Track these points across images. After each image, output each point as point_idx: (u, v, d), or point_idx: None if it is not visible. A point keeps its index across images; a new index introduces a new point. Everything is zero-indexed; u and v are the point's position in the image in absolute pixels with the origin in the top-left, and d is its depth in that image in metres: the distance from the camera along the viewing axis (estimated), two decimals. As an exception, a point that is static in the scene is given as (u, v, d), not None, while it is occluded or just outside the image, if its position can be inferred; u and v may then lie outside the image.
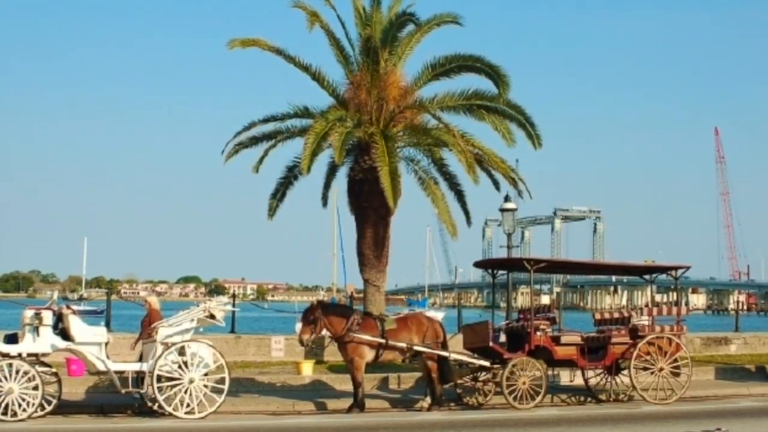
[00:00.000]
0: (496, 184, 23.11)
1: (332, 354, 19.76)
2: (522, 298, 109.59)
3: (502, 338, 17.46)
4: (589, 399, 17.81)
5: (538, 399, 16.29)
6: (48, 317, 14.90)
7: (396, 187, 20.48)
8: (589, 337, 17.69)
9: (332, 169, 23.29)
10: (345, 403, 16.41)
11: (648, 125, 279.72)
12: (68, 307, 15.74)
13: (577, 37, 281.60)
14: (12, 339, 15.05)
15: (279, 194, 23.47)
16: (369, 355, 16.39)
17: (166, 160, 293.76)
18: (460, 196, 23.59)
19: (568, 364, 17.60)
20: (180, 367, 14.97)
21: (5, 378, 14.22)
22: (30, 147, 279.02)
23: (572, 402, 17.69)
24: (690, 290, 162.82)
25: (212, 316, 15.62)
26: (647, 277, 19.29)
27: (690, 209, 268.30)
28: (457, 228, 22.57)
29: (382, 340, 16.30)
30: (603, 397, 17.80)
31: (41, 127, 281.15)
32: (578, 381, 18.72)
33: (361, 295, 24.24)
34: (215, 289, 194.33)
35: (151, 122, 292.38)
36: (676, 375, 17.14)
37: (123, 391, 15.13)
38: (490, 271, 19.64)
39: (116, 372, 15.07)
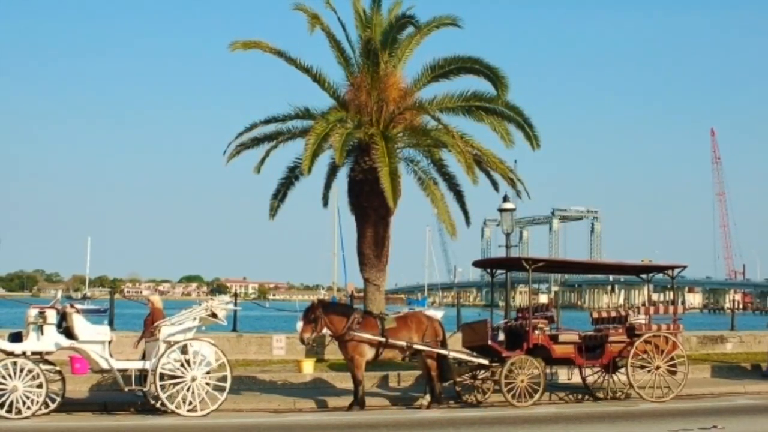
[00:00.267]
0: (495, 185, 23.14)
1: (333, 352, 19.76)
2: (520, 297, 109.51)
3: (501, 337, 17.47)
4: (586, 397, 17.81)
5: (537, 397, 16.29)
6: (52, 316, 14.90)
7: (396, 187, 20.49)
8: (587, 336, 17.69)
9: (333, 170, 23.31)
10: (345, 401, 16.42)
11: (645, 126, 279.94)
12: (72, 306, 15.76)
13: (574, 39, 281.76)
14: (16, 337, 15.06)
15: (280, 194, 23.49)
16: (369, 353, 16.39)
17: (169, 161, 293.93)
18: (459, 196, 23.61)
19: (566, 362, 17.60)
20: (182, 365, 14.98)
21: (10, 376, 14.22)
22: (34, 147, 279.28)
23: (570, 400, 17.69)
24: (686, 289, 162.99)
25: (214, 315, 15.63)
26: (644, 276, 19.30)
27: (686, 209, 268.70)
28: (457, 228, 22.62)
29: (382, 339, 16.30)
30: (600, 395, 17.80)
31: (45, 127, 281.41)
32: (576, 379, 18.73)
33: (362, 294, 24.24)
34: (217, 288, 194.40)
35: (153, 123, 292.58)
36: (673, 373, 17.15)
37: (126, 389, 15.12)
38: (488, 270, 19.64)
39: (119, 370, 15.07)
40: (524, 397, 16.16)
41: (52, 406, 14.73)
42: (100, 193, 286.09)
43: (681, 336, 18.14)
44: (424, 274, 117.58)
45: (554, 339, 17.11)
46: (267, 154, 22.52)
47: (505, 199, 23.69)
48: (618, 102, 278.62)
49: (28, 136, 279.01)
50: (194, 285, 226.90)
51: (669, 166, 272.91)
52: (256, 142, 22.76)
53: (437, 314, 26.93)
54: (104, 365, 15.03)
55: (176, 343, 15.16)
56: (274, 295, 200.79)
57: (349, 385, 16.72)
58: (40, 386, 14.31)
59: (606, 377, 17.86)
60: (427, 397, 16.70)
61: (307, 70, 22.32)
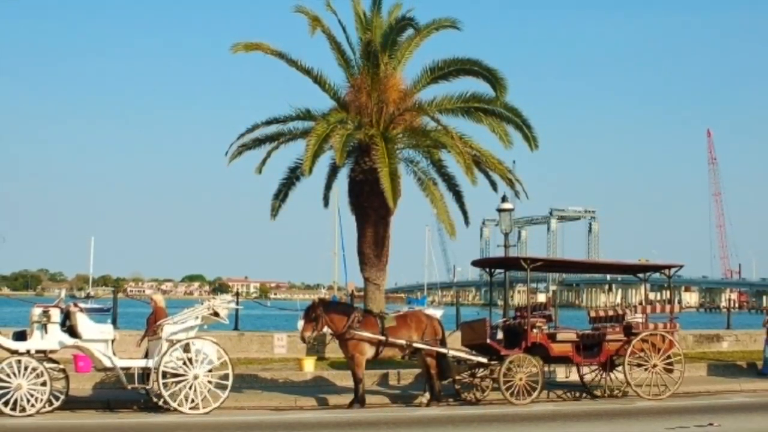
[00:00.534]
0: (494, 185, 23.17)
1: (333, 351, 19.76)
2: (519, 296, 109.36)
3: (500, 335, 17.46)
4: (584, 395, 17.81)
5: (535, 395, 16.29)
6: (56, 315, 14.89)
7: (396, 187, 20.51)
8: (585, 335, 17.69)
9: (333, 170, 23.33)
10: (346, 399, 16.41)
11: (642, 127, 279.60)
12: (75, 305, 15.76)
13: (572, 41, 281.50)
14: (21, 336, 15.06)
15: (281, 195, 23.51)
16: (369, 351, 16.38)
17: (171, 162, 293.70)
18: (458, 196, 23.63)
19: (564, 360, 17.60)
20: (185, 363, 14.97)
21: (14, 374, 14.21)
22: (38, 148, 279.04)
23: (568, 398, 17.69)
24: (683, 288, 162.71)
25: (216, 314, 15.62)
26: (641, 275, 19.28)
27: (683, 209, 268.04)
28: (456, 228, 22.66)
29: (382, 338, 16.30)
30: (598, 393, 17.80)
31: (49, 128, 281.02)
32: (574, 377, 18.72)
33: (362, 293, 24.26)
34: (219, 288, 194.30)
35: (156, 124, 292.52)
36: (670, 371, 17.14)
37: (129, 386, 15.12)
38: (487, 269, 19.64)
39: (122, 368, 15.07)
40: (523, 395, 16.16)
41: (56, 403, 14.73)
42: (103, 194, 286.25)
43: (677, 334, 18.16)
44: (423, 274, 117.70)
45: (552, 338, 17.11)
46: (268, 154, 22.54)
47: (504, 199, 23.71)
48: (615, 103, 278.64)
49: (32, 136, 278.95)
50: (196, 284, 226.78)
51: (666, 166, 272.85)
52: (258, 142, 22.78)
53: (436, 313, 26.91)
54: (107, 363, 15.03)
55: (179, 341, 15.15)
56: (275, 294, 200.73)
57: (350, 383, 16.72)
58: (44, 384, 14.30)
59: (603, 375, 17.86)
60: (427, 395, 16.70)
61: (307, 72, 22.34)
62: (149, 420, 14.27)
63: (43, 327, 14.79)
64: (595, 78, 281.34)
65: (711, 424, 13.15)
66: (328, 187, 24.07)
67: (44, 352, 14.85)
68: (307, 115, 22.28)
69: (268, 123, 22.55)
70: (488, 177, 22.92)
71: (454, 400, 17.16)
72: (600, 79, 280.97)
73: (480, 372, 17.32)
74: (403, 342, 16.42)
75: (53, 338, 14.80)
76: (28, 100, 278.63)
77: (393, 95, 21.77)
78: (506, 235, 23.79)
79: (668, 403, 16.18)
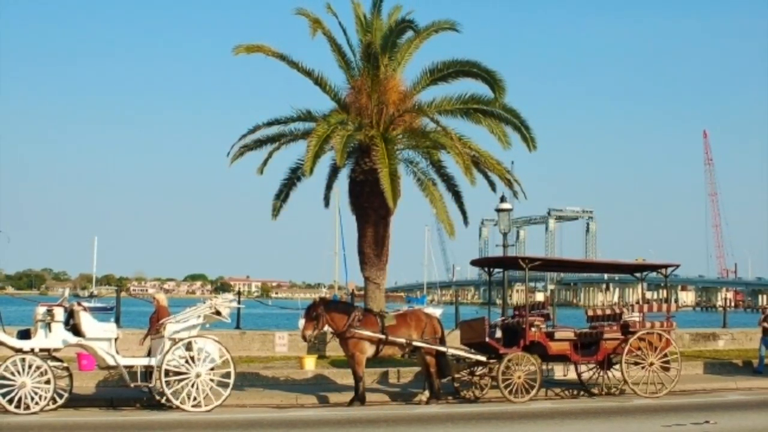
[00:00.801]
0: (493, 185, 23.16)
1: (334, 349, 19.76)
2: (517, 296, 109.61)
3: (498, 334, 17.45)
4: (582, 393, 17.80)
5: (533, 393, 16.29)
6: (60, 314, 14.90)
7: (396, 188, 20.49)
8: (582, 333, 17.68)
9: (334, 171, 23.32)
10: (346, 397, 16.41)
11: (639, 128, 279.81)
12: (79, 304, 15.73)
13: (570, 43, 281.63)
14: (25, 335, 15.06)
15: (282, 195, 23.50)
16: (369, 350, 16.38)
17: (174, 162, 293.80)
18: (457, 196, 23.62)
19: (562, 359, 17.59)
20: (187, 361, 14.98)
21: (18, 372, 14.22)
22: (43, 150, 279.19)
23: (566, 395, 17.69)
24: (679, 288, 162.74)
25: (218, 313, 15.63)
26: (638, 275, 19.29)
27: (679, 209, 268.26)
28: (455, 227, 22.62)
29: (382, 336, 16.30)
30: (595, 390, 17.80)
31: (53, 130, 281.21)
32: (571, 375, 18.70)
33: (362, 292, 24.26)
34: (221, 287, 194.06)
35: (158, 126, 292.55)
36: (666, 369, 17.14)
37: (132, 385, 15.13)
38: (486, 269, 19.64)
39: (125, 367, 15.08)
40: (521, 393, 16.16)
41: (60, 401, 14.75)
42: (106, 194, 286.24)
43: (674, 333, 18.15)
44: (423, 273, 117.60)
45: (550, 336, 17.11)
46: (270, 155, 22.53)
47: (503, 199, 23.71)
48: (613, 105, 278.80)
49: (37, 137, 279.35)
50: (198, 283, 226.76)
51: (662, 167, 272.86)
52: (259, 143, 22.77)
53: (436, 312, 26.84)
54: (111, 362, 15.03)
55: (181, 340, 15.16)
56: (276, 293, 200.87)
57: (350, 381, 16.72)
58: (48, 382, 14.31)
59: (601, 373, 17.85)
60: (426, 392, 16.70)
61: (308, 74, 22.33)
62: (152, 418, 14.27)
63: (47, 326, 14.80)
64: (593, 80, 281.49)
65: (707, 422, 13.15)
66: (328, 187, 24.09)
67: (48, 350, 14.86)
68: (308, 116, 22.27)
69: (270, 124, 22.54)
70: (487, 177, 22.92)
71: (454, 397, 17.15)
72: (598, 80, 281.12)
73: (479, 370, 17.32)
74: (402, 340, 16.42)
75: (57, 337, 14.81)
76: (34, 102, 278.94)
77: (393, 97, 21.76)
78: (505, 234, 23.79)
79: (665, 401, 16.17)
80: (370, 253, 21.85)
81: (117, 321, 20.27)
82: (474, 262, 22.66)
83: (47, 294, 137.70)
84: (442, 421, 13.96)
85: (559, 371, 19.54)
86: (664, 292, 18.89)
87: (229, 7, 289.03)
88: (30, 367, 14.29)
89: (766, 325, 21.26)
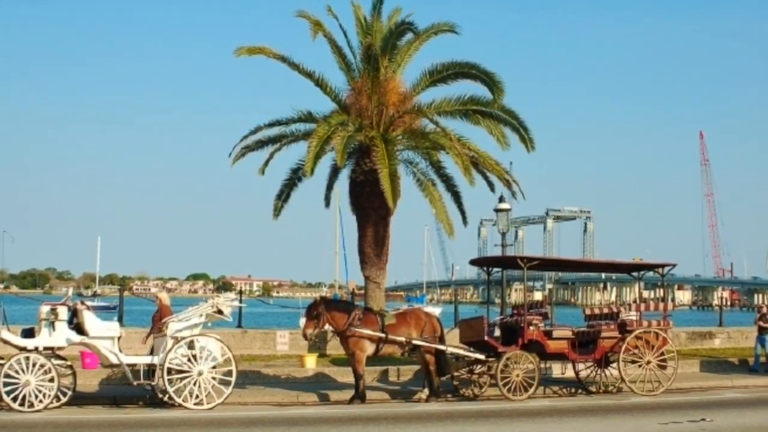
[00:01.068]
0: (491, 186, 23.16)
1: (334, 348, 19.78)
2: (516, 295, 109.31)
3: (497, 333, 17.47)
4: (579, 391, 17.81)
5: (531, 391, 16.30)
6: (63, 313, 14.90)
7: (395, 188, 20.49)
8: (580, 332, 17.69)
9: (334, 171, 23.31)
10: (347, 395, 16.41)
11: (636, 129, 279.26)
12: (83, 303, 15.74)
13: (568, 45, 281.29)
14: (29, 333, 15.06)
15: (284, 195, 23.50)
16: (370, 348, 16.38)
17: (176, 163, 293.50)
18: (456, 197, 23.61)
19: (560, 357, 17.60)
20: (189, 360, 14.97)
21: (23, 370, 14.23)
22: (46, 150, 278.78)
23: (564, 393, 17.69)
24: (676, 287, 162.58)
25: (220, 312, 15.62)
26: (635, 274, 19.30)
27: (676, 209, 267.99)
28: (454, 227, 22.63)
29: (382, 335, 16.30)
30: (593, 388, 17.80)
31: (57, 131, 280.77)
32: (569, 373, 18.73)
33: (362, 291, 24.26)
34: (223, 286, 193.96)
35: (161, 126, 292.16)
36: (663, 368, 17.15)
37: (135, 383, 15.13)
38: (485, 268, 19.65)
39: (128, 365, 15.08)
40: (519, 391, 16.17)
41: (64, 399, 14.75)
42: (109, 194, 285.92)
43: (671, 332, 18.14)
44: (422, 272, 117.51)
45: (548, 335, 17.11)
46: (271, 156, 22.53)
47: (501, 199, 23.72)
48: (610, 106, 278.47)
49: (41, 138, 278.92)
50: (201, 283, 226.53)
51: (659, 167, 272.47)
52: (261, 144, 22.76)
53: (435, 311, 26.86)
54: (114, 360, 15.03)
55: (183, 338, 15.15)
56: (277, 292, 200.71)
57: (351, 379, 16.72)
58: (51, 380, 14.31)
59: (598, 372, 17.86)
60: (426, 390, 16.70)
61: (309, 75, 22.33)
62: (154, 415, 14.28)
63: (51, 324, 14.80)
64: (591, 81, 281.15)
65: (703, 420, 13.15)
66: (329, 187, 24.09)
67: (52, 349, 14.87)
68: (308, 118, 22.27)
69: (271, 125, 22.54)
70: (486, 178, 22.91)
71: (453, 395, 17.16)
72: (596, 82, 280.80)
73: (478, 368, 17.33)
74: (402, 339, 16.42)
75: (61, 335, 14.82)
76: (38, 103, 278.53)
77: (393, 98, 21.75)
78: (503, 234, 23.79)
79: (662, 399, 16.17)
80: (371, 252, 21.85)
81: (120, 320, 20.32)
82: (473, 262, 22.70)
83: (51, 293, 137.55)
84: (442, 419, 13.96)
85: (557, 369, 19.56)
86: (661, 291, 18.88)
87: (231, 10, 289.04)
88: (34, 365, 14.29)
89: (761, 323, 21.28)
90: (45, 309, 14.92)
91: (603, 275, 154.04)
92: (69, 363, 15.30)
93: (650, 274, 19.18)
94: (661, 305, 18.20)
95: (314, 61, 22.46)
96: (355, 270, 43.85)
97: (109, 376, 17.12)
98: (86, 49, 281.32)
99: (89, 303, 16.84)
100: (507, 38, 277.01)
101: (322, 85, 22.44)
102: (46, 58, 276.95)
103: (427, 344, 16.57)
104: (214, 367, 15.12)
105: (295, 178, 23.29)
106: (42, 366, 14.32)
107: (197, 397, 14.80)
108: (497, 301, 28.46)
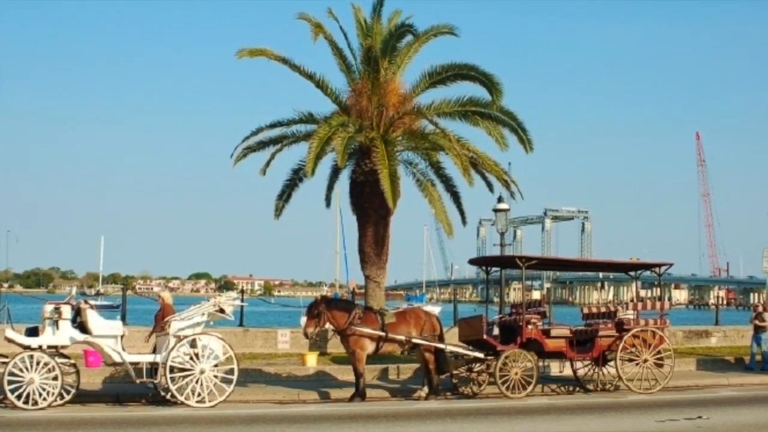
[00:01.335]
0: (490, 186, 23.15)
1: (335, 346, 19.76)
2: (514, 294, 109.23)
3: (496, 331, 17.46)
4: (577, 389, 17.81)
5: (530, 389, 16.29)
6: (67, 311, 14.91)
7: (395, 188, 20.49)
8: (578, 331, 17.69)
9: (335, 172, 23.32)
10: (347, 393, 16.41)
11: (633, 130, 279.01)
12: (86, 302, 15.73)
13: (566, 47, 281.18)
14: (33, 332, 15.06)
15: (285, 195, 23.49)
16: (370, 347, 16.38)
17: (178, 164, 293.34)
18: (455, 197, 23.61)
19: (558, 355, 17.60)
20: (191, 358, 14.97)
21: (27, 369, 14.22)
22: (50, 151, 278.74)
23: (562, 391, 17.69)
24: (673, 286, 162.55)
25: (222, 311, 15.62)
26: (632, 273, 19.30)
27: (673, 209, 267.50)
28: (453, 227, 22.62)
29: (382, 333, 16.30)
30: (591, 387, 17.80)
31: (61, 132, 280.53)
32: (567, 372, 18.73)
33: (363, 290, 24.24)
34: (225, 285, 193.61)
35: (164, 128, 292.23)
36: (660, 366, 17.15)
37: (138, 381, 15.13)
38: (484, 267, 19.64)
39: (131, 363, 15.07)
40: (518, 389, 16.16)
41: (67, 397, 14.75)
42: (113, 194, 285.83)
43: (667, 330, 18.16)
44: (422, 272, 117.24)
45: (546, 333, 17.11)
46: (272, 156, 22.54)
47: (500, 199, 23.71)
48: (608, 107, 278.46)
49: (45, 139, 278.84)
50: (203, 282, 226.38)
51: (656, 168, 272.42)
52: (262, 145, 22.76)
53: (435, 310, 26.85)
54: (117, 358, 15.03)
55: (185, 337, 15.15)
56: (279, 291, 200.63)
57: (351, 377, 16.72)
58: (55, 378, 14.31)
59: (596, 370, 17.86)
60: (425, 388, 16.69)
61: (310, 77, 22.33)
62: (157, 413, 14.27)
63: (55, 323, 14.81)
64: (589, 83, 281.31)
65: (700, 417, 13.14)
66: (330, 188, 24.09)
67: (56, 347, 14.87)
68: (309, 119, 22.27)
69: (272, 126, 22.53)
70: (485, 178, 22.91)
71: (452, 393, 17.16)
72: (593, 83, 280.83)
73: (477, 367, 17.33)
74: (402, 338, 16.42)
75: (64, 334, 14.81)
76: (42, 103, 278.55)
77: (393, 99, 21.75)
78: (502, 234, 23.79)
79: (658, 397, 16.17)
80: (371, 252, 21.84)
81: (123, 319, 20.30)
82: (472, 261, 22.68)
83: (55, 292, 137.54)
84: (441, 417, 13.95)
85: (555, 368, 19.57)
86: (658, 290, 18.89)
87: (233, 12, 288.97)
88: (38, 363, 14.30)
89: (757, 322, 21.28)
90: (49, 308, 14.92)
91: (600, 275, 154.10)
92: (72, 361, 15.29)
93: (647, 273, 19.15)
94: (658, 304, 18.23)
95: (315, 63, 22.50)
96: (355, 269, 43.85)
97: (112, 375, 17.11)
98: (90, 51, 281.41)
99: (92, 302, 16.82)
100: (505, 40, 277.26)
101: (323, 87, 22.44)
102: (50, 60, 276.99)
103: (427, 343, 16.57)
104: (216, 366, 15.12)
105: (296, 178, 23.29)
106: (46, 364, 14.32)
107: (199, 395, 14.80)
108: (496, 300, 28.44)
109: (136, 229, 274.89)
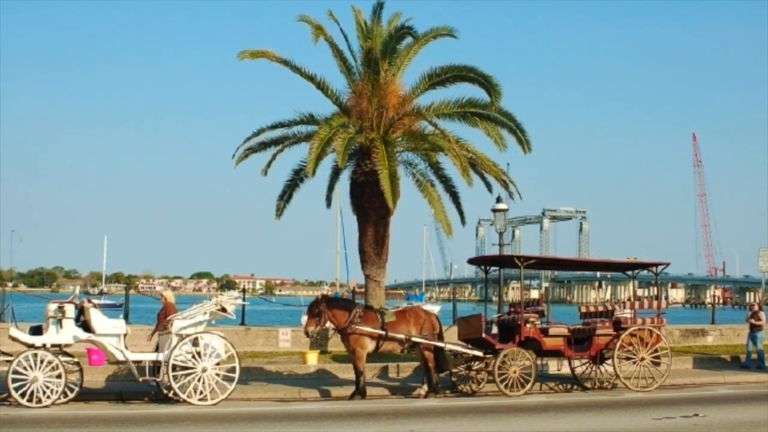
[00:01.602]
0: (489, 186, 23.14)
1: (336, 345, 19.77)
2: (513, 293, 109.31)
3: (494, 330, 17.47)
4: (575, 387, 17.81)
5: (528, 387, 16.30)
6: (70, 310, 14.91)
7: (395, 189, 20.48)
8: (576, 329, 17.69)
9: (335, 172, 23.30)
10: (348, 391, 16.41)
11: (630, 131, 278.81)
12: (89, 301, 15.73)
13: (564, 49, 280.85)
14: (37, 331, 15.07)
15: (286, 195, 23.48)
16: (370, 345, 16.38)
17: (181, 164, 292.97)
18: (454, 197, 23.59)
19: (556, 354, 17.59)
20: (193, 357, 14.98)
21: (31, 367, 14.23)
22: (54, 152, 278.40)
23: (560, 390, 17.69)
24: (669, 285, 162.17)
25: (224, 310, 15.62)
26: (629, 273, 19.29)
27: (669, 209, 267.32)
28: (452, 227, 22.58)
29: (382, 332, 16.30)
30: (588, 385, 17.79)
31: (64, 133, 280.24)
32: (565, 370, 18.72)
33: (363, 289, 24.23)
34: (226, 284, 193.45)
35: (166, 129, 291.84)
36: (657, 364, 17.15)
37: (140, 379, 15.13)
38: (483, 267, 19.65)
39: (134, 361, 15.08)
40: (516, 387, 16.17)
41: (71, 395, 14.75)
42: (116, 195, 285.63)
43: (664, 329, 18.15)
44: (421, 271, 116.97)
45: (545, 332, 17.11)
46: (273, 157, 22.53)
47: (499, 200, 23.71)
48: (605, 108, 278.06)
49: (49, 140, 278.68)
50: (205, 281, 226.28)
51: (653, 168, 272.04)
52: (264, 146, 22.75)
53: (434, 309, 26.89)
54: (120, 357, 15.03)
55: (188, 336, 15.16)
56: (280, 290, 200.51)
57: (351, 375, 16.72)
58: (59, 377, 14.32)
59: (593, 368, 17.85)
60: (425, 387, 16.70)
61: (311, 78, 22.33)
62: (160, 411, 14.27)
63: (59, 322, 14.81)
64: (587, 84, 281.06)
65: (696, 415, 13.15)
66: (330, 188, 24.08)
67: (59, 346, 14.87)
68: (310, 120, 22.26)
69: (274, 127, 22.52)
70: (483, 179, 22.90)
71: (451, 391, 17.16)
72: (591, 85, 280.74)
73: (476, 365, 17.32)
74: (402, 336, 16.42)
75: (68, 333, 14.82)
76: (45, 105, 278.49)
77: (393, 100, 21.74)
78: (501, 234, 23.79)
79: (655, 395, 16.17)
80: (371, 251, 21.84)
81: (126, 317, 20.25)
82: (471, 261, 22.71)
83: (58, 291, 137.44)
84: (440, 414, 13.96)
85: (553, 366, 19.57)
86: (655, 289, 18.86)
87: (235, 15, 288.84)
88: (42, 362, 14.30)
89: (753, 321, 21.28)
90: (53, 307, 14.92)
91: (598, 274, 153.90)
92: (76, 360, 15.29)
93: (644, 272, 19.17)
94: (655, 303, 18.20)
95: (316, 65, 22.49)
96: (355, 269, 43.75)
97: (115, 373, 17.12)
98: (93, 53, 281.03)
99: (96, 301, 16.80)
100: (504, 42, 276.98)
101: (324, 88, 22.44)
102: (54, 62, 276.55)
103: (426, 341, 16.57)
104: (217, 364, 15.13)
105: (297, 179, 23.28)
106: (50, 363, 14.32)
107: (201, 393, 14.81)
108: (495, 299, 28.43)
109: (138, 229, 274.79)
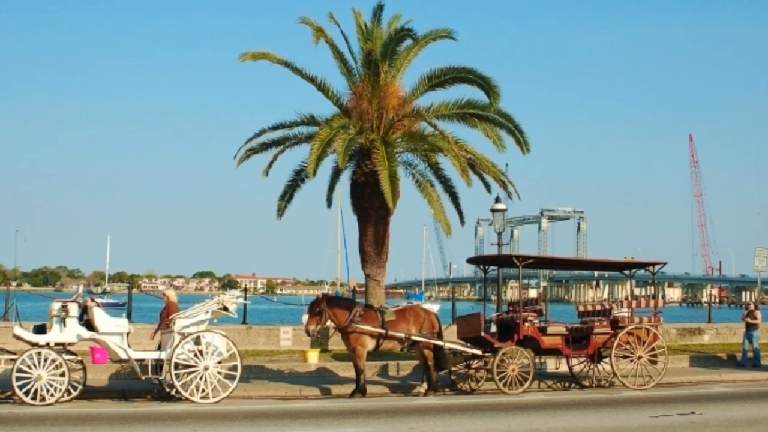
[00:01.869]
0: (488, 187, 23.14)
1: (336, 343, 19.77)
2: (511, 292, 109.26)
3: (493, 329, 17.46)
4: (573, 385, 17.80)
5: (526, 385, 16.29)
6: (74, 309, 14.90)
7: (395, 189, 20.48)
8: (574, 328, 17.68)
9: (336, 173, 23.30)
10: (348, 389, 16.41)
11: (628, 132, 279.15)
12: (92, 300, 15.73)
13: (562, 51, 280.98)
14: (41, 329, 15.06)
15: (287, 196, 23.48)
16: (370, 344, 16.38)
17: (183, 165, 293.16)
18: (454, 197, 23.59)
19: (554, 352, 17.59)
20: (196, 355, 14.98)
21: (34, 365, 14.23)
22: (57, 152, 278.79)
23: (558, 388, 17.69)
24: (666, 284, 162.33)
25: (225, 309, 15.62)
26: (627, 272, 19.27)
27: (666, 210, 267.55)
28: (452, 227, 22.58)
29: (382, 331, 16.30)
30: (586, 383, 17.79)
31: (69, 133, 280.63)
32: (563, 368, 18.72)
33: (363, 288, 24.23)
34: (228, 284, 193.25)
35: (168, 129, 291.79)
36: (654, 363, 17.15)
37: (143, 377, 15.13)
38: (482, 266, 19.64)
39: (137, 360, 15.08)
40: (515, 385, 16.16)
41: (74, 393, 14.74)
42: (119, 195, 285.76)
43: (661, 328, 18.14)
44: (421, 270, 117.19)
45: (543, 331, 17.11)
46: (275, 158, 22.53)
47: (497, 200, 23.70)
48: (603, 109, 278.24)
49: (52, 140, 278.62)
50: (207, 280, 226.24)
51: (650, 169, 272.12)
52: (265, 147, 22.75)
53: (433, 308, 26.84)
54: (123, 355, 15.03)
55: (190, 334, 15.15)
56: (281, 289, 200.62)
57: (352, 374, 16.72)
58: (62, 375, 14.31)
59: (591, 367, 17.85)
60: (424, 385, 16.69)
61: (312, 80, 22.33)
62: (162, 409, 14.27)
63: (62, 321, 14.81)
64: (584, 85, 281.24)
65: (693, 413, 13.15)
66: (331, 188, 24.08)
67: (63, 344, 14.87)
68: (311, 121, 22.26)
69: (275, 128, 22.52)
70: (482, 179, 22.90)
71: (450, 389, 17.15)
72: (589, 86, 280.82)
73: (475, 363, 17.32)
74: (402, 335, 16.42)
75: (71, 331, 14.82)
76: (49, 106, 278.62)
77: (392, 102, 21.74)
78: (499, 234, 23.78)
79: (652, 393, 16.17)
80: (371, 251, 21.84)
81: (129, 316, 20.27)
82: (470, 260, 22.66)
83: (62, 290, 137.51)
84: (440, 412, 13.95)
85: (551, 364, 19.57)
86: (652, 288, 18.86)
87: (236, 16, 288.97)
88: (46, 360, 14.29)
89: (749, 320, 21.28)
90: (56, 306, 14.92)
91: (596, 273, 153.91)
92: (79, 358, 15.28)
93: (641, 272, 19.16)
94: (652, 302, 18.19)
95: (316, 66, 22.47)
96: (356, 268, 43.78)
97: (118, 371, 17.11)
98: (95, 54, 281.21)
99: (99, 300, 16.82)
100: (503, 44, 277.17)
101: (324, 90, 22.44)
102: (57, 62, 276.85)
103: (426, 340, 16.56)
104: (219, 362, 15.13)
105: (298, 179, 23.28)
106: (53, 361, 14.31)
107: (203, 391, 14.81)
108: (493, 298, 28.41)
109: (141, 228, 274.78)
